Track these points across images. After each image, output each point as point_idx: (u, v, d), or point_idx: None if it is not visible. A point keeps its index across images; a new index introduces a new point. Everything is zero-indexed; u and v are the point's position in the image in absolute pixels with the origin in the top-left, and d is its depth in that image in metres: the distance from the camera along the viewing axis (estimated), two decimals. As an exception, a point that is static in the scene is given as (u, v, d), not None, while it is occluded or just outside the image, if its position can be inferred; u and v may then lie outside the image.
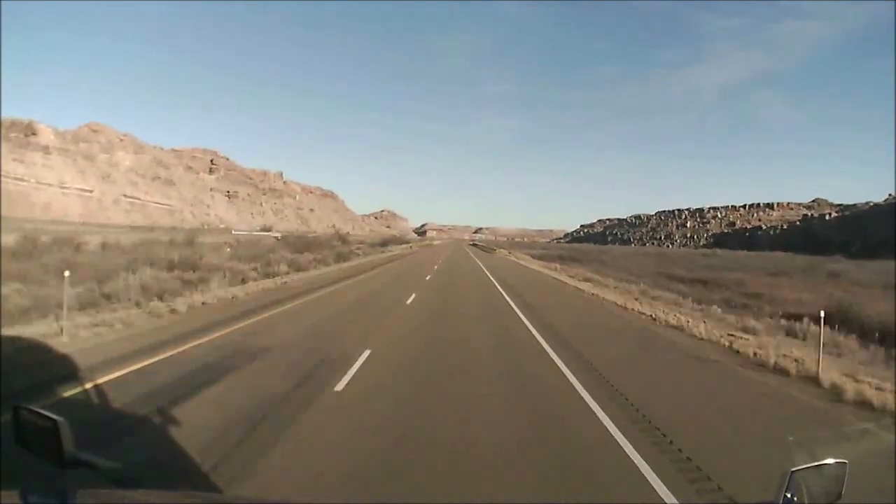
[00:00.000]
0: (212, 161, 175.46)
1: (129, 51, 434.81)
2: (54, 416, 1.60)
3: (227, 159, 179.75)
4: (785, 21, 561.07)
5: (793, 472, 1.56)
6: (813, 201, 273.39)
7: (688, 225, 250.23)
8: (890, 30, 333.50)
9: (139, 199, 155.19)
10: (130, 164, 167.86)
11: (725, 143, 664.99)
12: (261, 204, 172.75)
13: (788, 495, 1.53)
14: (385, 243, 59.33)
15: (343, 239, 55.75)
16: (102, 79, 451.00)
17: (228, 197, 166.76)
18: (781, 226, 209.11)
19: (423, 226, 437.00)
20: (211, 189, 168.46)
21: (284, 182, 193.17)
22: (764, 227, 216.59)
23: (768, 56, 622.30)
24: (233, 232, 68.59)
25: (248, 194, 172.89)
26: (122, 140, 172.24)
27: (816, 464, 1.62)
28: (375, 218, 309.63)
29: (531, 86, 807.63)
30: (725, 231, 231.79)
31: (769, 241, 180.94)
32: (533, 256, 57.46)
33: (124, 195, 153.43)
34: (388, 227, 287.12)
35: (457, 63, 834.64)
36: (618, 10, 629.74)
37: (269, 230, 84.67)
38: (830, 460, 1.64)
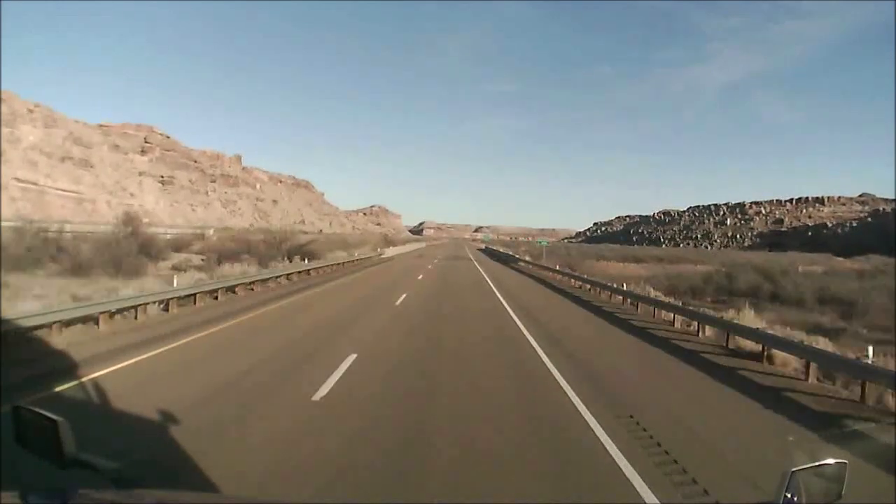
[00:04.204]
0: (145, 139, 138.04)
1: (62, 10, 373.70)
2: (54, 416, 1.60)
3: (168, 137, 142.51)
4: (784, 21, 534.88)
5: (793, 472, 1.52)
6: (861, 195, 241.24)
7: (728, 222, 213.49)
8: (890, 30, 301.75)
9: (36, 183, 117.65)
10: (35, 140, 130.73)
11: (727, 141, 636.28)
12: (206, 193, 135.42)
13: (788, 495, 1.49)
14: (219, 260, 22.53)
15: (143, 244, 19.08)
16: (22, 43, 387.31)
17: (162, 183, 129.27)
18: (850, 223, 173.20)
19: (420, 224, 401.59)
20: (140, 173, 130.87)
21: (244, 168, 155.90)
22: (829, 224, 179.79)
23: (768, 56, 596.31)
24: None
25: (191, 181, 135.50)
26: (31, 111, 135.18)
27: (816, 464, 1.59)
28: (364, 214, 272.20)
29: (531, 85, 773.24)
30: (774, 229, 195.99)
31: (840, 242, 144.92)
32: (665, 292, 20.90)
33: (15, 178, 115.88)
34: (378, 224, 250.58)
35: (456, 62, 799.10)
36: (617, 9, 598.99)
37: (129, 223, 46.49)
38: (830, 460, 1.61)
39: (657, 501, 4.38)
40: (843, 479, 1.59)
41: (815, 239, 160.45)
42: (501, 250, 77.28)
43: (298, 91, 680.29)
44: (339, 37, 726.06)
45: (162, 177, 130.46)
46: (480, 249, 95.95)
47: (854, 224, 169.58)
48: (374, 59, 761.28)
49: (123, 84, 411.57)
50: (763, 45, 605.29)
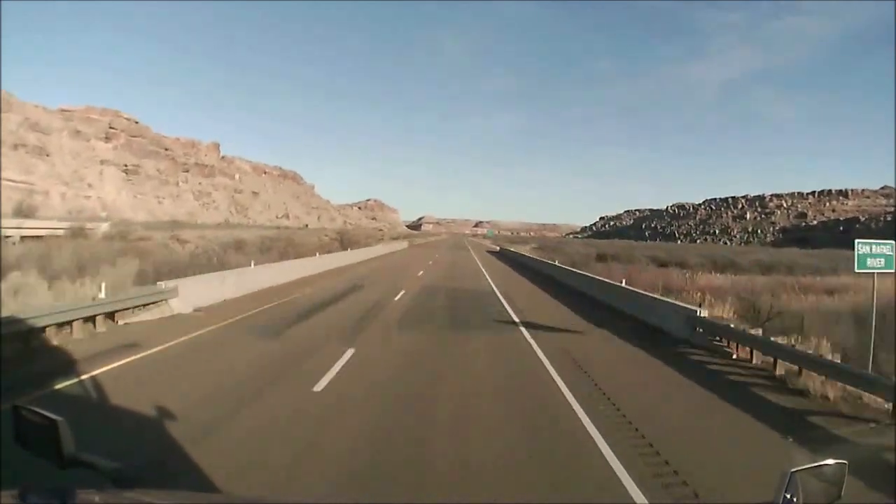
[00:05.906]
0: (110, 124, 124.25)
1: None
2: (54, 416, 1.60)
3: (136, 122, 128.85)
4: (785, 18, 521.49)
5: (792, 472, 1.50)
6: (883, 188, 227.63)
7: (747, 216, 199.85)
8: (891, 27, 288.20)
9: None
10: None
11: (733, 136, 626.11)
12: (178, 184, 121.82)
13: (788, 495, 1.46)
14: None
15: None
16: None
17: (126, 173, 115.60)
18: (884, 217, 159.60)
19: (419, 219, 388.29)
20: (102, 162, 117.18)
21: (222, 157, 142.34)
22: (861, 218, 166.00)
23: (768, 53, 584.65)
24: None
25: (160, 170, 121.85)
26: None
27: (816, 464, 1.56)
28: (359, 208, 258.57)
29: (531, 82, 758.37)
30: (798, 223, 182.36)
31: (879, 238, 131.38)
32: None
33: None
34: (373, 218, 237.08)
35: (456, 57, 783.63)
36: (618, 8, 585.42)
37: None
38: (830, 460, 1.58)
39: None
40: (843, 479, 1.55)
41: (847, 234, 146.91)
42: (534, 256, 44.58)
43: (294, 83, 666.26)
44: (337, 30, 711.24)
45: (126, 166, 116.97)
46: (492, 252, 65.38)
47: (888, 218, 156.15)
48: (374, 53, 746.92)
49: (103, 71, 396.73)
50: (765, 42, 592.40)
